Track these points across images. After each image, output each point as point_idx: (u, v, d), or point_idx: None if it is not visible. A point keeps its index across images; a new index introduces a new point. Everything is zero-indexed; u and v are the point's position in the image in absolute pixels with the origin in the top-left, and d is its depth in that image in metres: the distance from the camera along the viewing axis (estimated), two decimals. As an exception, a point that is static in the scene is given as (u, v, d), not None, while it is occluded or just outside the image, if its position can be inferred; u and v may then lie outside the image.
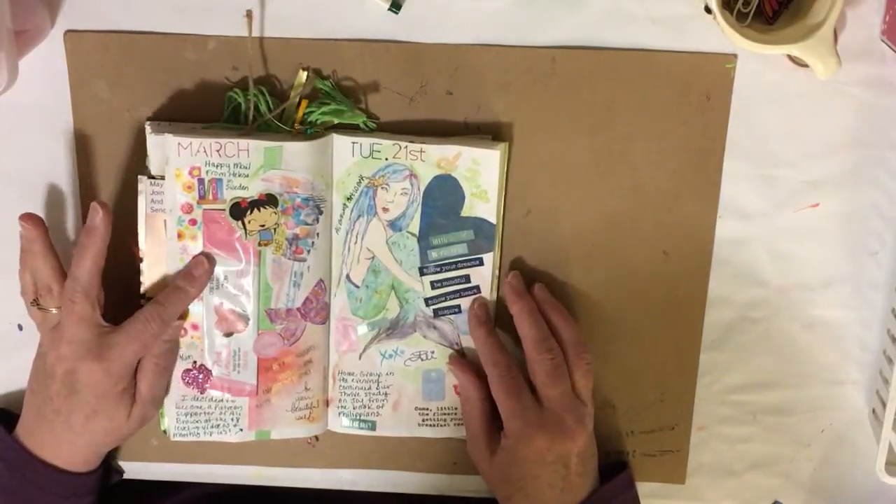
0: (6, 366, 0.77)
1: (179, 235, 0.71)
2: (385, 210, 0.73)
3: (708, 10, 0.67)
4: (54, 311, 0.70)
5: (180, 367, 0.73)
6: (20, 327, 0.76)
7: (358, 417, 0.76)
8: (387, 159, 0.71)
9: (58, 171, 0.73)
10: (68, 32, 0.71)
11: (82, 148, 0.73)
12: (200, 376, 0.73)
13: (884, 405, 0.73)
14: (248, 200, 0.70)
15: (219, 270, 0.71)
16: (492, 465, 0.72)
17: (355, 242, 0.73)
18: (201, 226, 0.70)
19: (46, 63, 0.71)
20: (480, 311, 0.74)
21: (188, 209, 0.70)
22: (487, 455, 0.72)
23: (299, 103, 0.72)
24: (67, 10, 0.71)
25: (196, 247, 0.71)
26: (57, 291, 0.70)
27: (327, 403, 0.76)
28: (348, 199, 0.72)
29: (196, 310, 0.72)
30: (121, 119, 0.72)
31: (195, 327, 0.72)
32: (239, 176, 0.70)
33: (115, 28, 0.71)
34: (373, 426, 0.76)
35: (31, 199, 0.74)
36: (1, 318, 0.76)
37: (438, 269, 0.74)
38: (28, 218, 0.70)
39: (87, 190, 0.73)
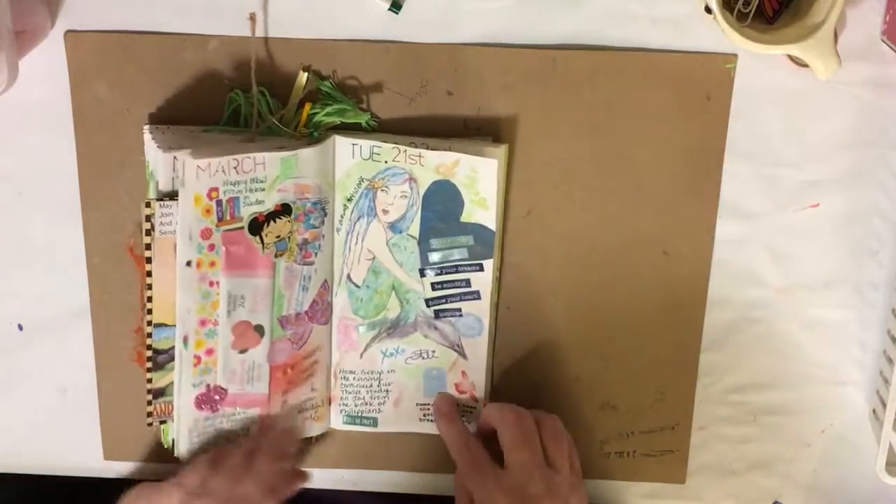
0: (6, 366, 0.77)
1: (198, 264, 0.68)
2: (385, 212, 0.72)
3: (708, 10, 0.67)
4: None
5: (192, 394, 0.70)
6: (20, 327, 0.76)
7: (360, 415, 0.76)
8: (386, 162, 0.71)
9: (58, 171, 0.73)
10: (68, 32, 0.71)
11: (82, 148, 0.73)
12: (216, 397, 0.71)
13: (884, 405, 0.73)
14: (265, 213, 0.69)
15: (237, 291, 0.70)
16: None
17: (356, 243, 0.73)
18: (220, 249, 0.68)
19: (46, 63, 0.71)
20: (442, 404, 0.75)
21: (207, 234, 0.68)
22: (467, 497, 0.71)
23: (302, 105, 0.71)
24: (67, 10, 0.71)
25: (215, 273, 0.69)
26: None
27: (329, 402, 0.76)
28: (348, 199, 0.72)
29: (211, 336, 0.70)
30: (121, 119, 0.72)
31: (209, 352, 0.70)
32: (255, 190, 0.68)
33: (115, 28, 0.71)
34: (374, 422, 0.76)
35: (32, 199, 0.74)
36: (1, 318, 0.76)
37: (439, 272, 0.73)
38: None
39: (87, 190, 0.73)
